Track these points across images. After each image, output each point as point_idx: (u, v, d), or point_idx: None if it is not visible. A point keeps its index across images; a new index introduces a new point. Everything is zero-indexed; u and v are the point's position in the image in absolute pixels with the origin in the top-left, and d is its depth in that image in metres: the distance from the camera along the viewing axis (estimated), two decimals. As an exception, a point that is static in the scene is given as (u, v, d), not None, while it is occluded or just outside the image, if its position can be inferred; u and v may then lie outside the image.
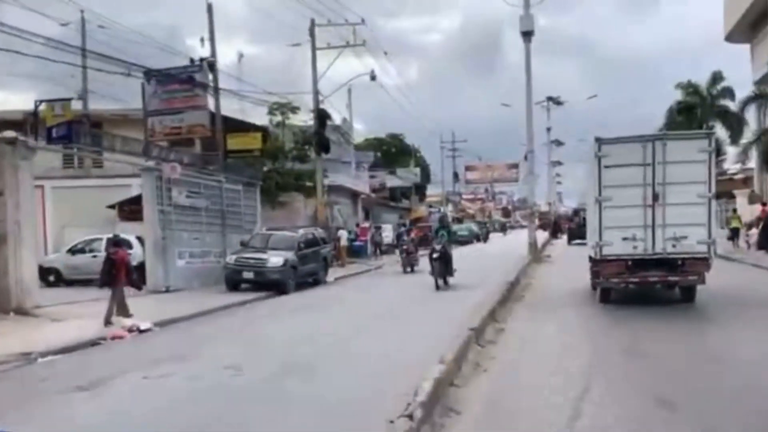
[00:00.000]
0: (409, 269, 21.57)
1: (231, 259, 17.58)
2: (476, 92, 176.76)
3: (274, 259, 16.99)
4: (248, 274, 17.09)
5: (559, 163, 68.09)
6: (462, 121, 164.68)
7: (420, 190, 56.89)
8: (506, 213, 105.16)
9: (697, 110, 38.10)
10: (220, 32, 33.85)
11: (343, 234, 27.30)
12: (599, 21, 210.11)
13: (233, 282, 17.22)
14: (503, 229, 79.43)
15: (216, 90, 21.62)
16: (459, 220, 66.80)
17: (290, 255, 17.40)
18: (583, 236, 40.54)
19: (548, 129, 51.00)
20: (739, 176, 51.01)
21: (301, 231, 18.95)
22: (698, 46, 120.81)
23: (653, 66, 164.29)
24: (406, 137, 58.78)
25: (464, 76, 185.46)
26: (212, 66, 20.29)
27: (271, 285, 16.63)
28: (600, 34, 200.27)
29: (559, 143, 61.68)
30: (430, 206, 55.95)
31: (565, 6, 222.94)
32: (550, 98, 47.89)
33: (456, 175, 62.24)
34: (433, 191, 64.67)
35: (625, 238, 11.07)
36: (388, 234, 40.12)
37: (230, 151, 22.19)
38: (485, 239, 50.25)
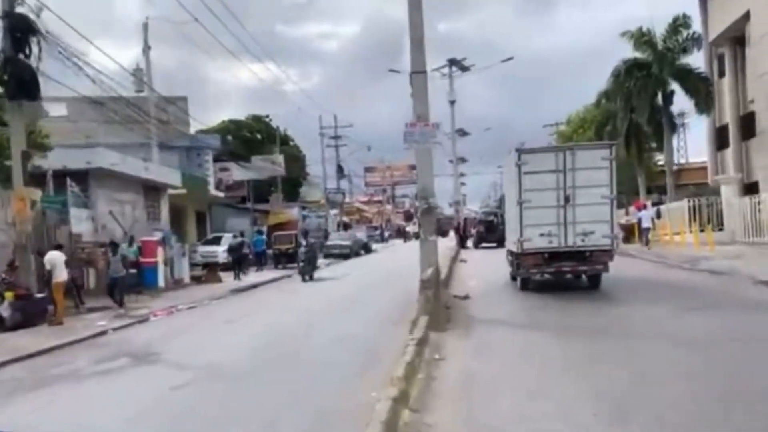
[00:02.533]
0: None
1: None
2: (377, 97, 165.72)
3: None
4: None
5: (464, 159, 57.48)
6: (366, 127, 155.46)
7: (291, 186, 43.83)
8: (408, 216, 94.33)
9: (652, 69, 27.48)
10: None
11: (57, 259, 13.76)
12: (503, 21, 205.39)
13: None
14: (403, 235, 68.31)
15: None
16: (346, 226, 54.42)
17: None
18: (490, 240, 31.15)
19: (452, 102, 38.22)
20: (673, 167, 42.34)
21: None
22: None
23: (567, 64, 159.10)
24: (274, 120, 45.52)
25: (365, 81, 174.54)
26: None
27: None
28: (504, 33, 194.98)
29: (464, 133, 50.74)
30: (304, 207, 42.90)
31: (467, 7, 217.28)
32: (452, 61, 35.11)
33: (341, 169, 49.44)
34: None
35: (542, 234, 12.64)
36: (223, 248, 27.51)
37: None
38: (309, 275, 21.54)
